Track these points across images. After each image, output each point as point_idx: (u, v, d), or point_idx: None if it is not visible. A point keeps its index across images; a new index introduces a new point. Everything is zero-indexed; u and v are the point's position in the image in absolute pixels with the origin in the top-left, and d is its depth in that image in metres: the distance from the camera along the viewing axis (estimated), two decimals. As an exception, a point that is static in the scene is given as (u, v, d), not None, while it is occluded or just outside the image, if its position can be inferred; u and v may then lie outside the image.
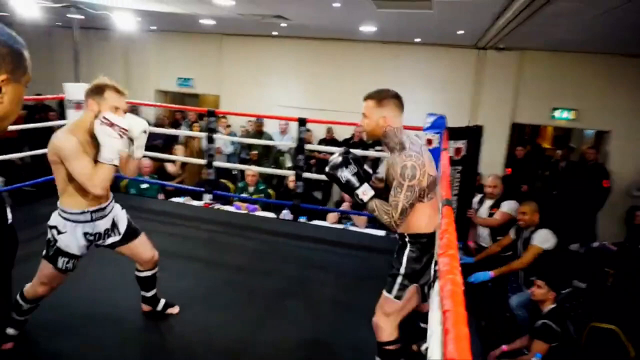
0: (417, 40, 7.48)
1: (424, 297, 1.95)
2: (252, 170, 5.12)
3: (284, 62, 8.68)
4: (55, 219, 2.06)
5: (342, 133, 7.49)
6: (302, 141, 4.34)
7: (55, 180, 2.01)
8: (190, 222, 4.27)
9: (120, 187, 5.23)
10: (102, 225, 2.15)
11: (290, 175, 4.68)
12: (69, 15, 6.26)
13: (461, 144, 4.37)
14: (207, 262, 3.39)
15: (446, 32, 6.29)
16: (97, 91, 1.97)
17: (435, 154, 3.96)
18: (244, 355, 2.34)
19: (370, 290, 3.19)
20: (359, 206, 4.94)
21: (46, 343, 2.29)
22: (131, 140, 2.08)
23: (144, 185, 5.32)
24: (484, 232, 4.43)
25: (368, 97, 1.93)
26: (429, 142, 4.05)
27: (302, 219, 4.60)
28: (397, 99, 1.92)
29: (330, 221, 4.77)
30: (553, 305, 3.13)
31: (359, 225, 4.69)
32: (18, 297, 2.12)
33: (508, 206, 4.22)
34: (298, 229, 4.32)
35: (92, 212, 2.07)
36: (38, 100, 7.67)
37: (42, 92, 7.92)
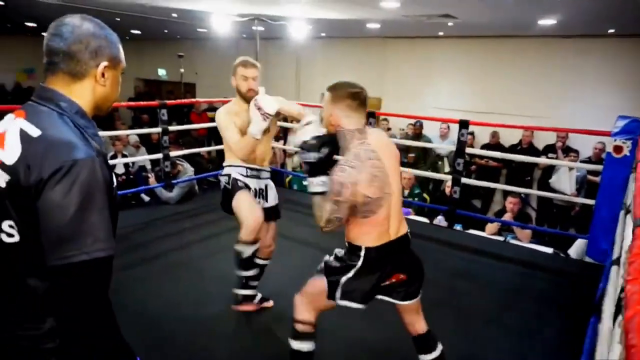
0: (611, 31, 6.43)
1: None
2: (408, 173, 5.05)
3: (448, 63, 8.36)
4: (224, 171, 2.56)
5: (509, 138, 6.87)
6: (462, 144, 4.11)
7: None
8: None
9: (284, 183, 5.69)
10: (255, 184, 2.56)
11: (447, 179, 4.48)
12: (253, 28, 7.06)
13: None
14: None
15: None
16: (233, 71, 2.48)
17: (625, 164, 3.38)
18: None
19: (526, 309, 2.88)
20: (523, 217, 4.50)
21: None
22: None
23: (306, 182, 5.67)
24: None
25: (327, 89, 1.72)
26: (618, 150, 3.46)
27: (458, 227, 4.36)
28: (352, 99, 1.65)
29: (488, 232, 4.42)
30: None
31: (521, 239, 4.25)
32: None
33: None
34: (452, 236, 4.10)
35: (246, 167, 2.52)
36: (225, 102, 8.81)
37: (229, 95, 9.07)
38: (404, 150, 7.30)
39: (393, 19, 6.36)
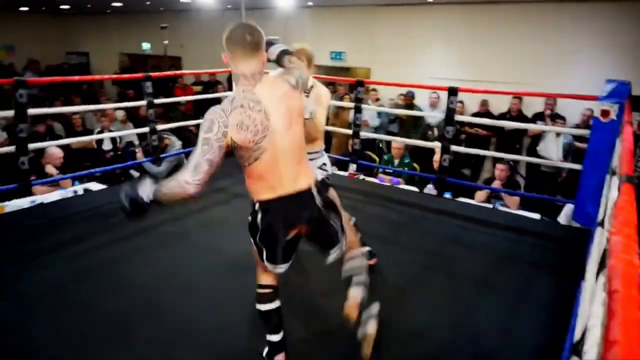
0: (600, -4, 6.36)
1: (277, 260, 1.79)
2: (397, 142, 5.05)
3: (437, 31, 8.24)
4: (323, 159, 2.66)
5: (498, 107, 6.87)
6: (451, 112, 4.10)
7: None
8: (337, 190, 4.41)
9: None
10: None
11: (437, 147, 4.48)
12: (237, -3, 6.86)
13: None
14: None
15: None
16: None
17: (612, 128, 3.40)
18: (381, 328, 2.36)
19: (516, 274, 2.94)
20: (512, 184, 4.54)
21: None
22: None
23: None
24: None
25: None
26: (605, 114, 3.47)
27: (447, 195, 4.40)
28: (237, 43, 1.63)
29: (477, 199, 4.47)
30: None
31: (510, 206, 4.30)
32: None
33: None
34: (442, 204, 4.14)
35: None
36: (211, 74, 8.65)
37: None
38: (393, 121, 7.29)
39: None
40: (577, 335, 1.35)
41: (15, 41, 13.81)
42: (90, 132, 6.14)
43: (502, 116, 6.62)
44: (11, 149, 3.55)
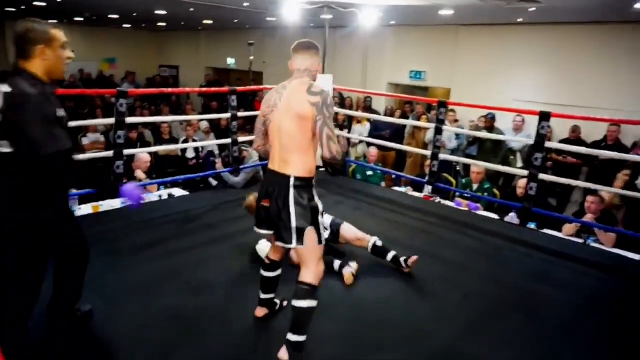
0: None
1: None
2: (478, 165, 4.82)
3: (525, 52, 7.84)
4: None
5: (592, 134, 6.34)
6: (542, 137, 3.83)
7: None
8: (409, 212, 4.29)
9: (348, 173, 5.64)
10: None
11: (523, 174, 4.20)
12: (322, 16, 7.02)
13: None
14: (421, 252, 3.32)
15: None
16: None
17: None
18: None
19: (608, 319, 2.63)
20: (608, 219, 4.12)
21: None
22: None
23: (369, 172, 5.61)
24: None
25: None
26: None
27: (532, 225, 4.10)
28: (294, 48, 2.17)
29: (566, 232, 4.11)
30: None
31: (604, 243, 3.91)
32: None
33: None
34: (526, 235, 3.86)
35: None
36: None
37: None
38: (473, 143, 6.98)
39: (468, 4, 6.05)
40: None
41: (117, 54, 15.21)
42: (176, 141, 6.53)
43: (596, 144, 6.10)
44: (109, 153, 3.84)
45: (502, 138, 6.11)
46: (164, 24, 13.43)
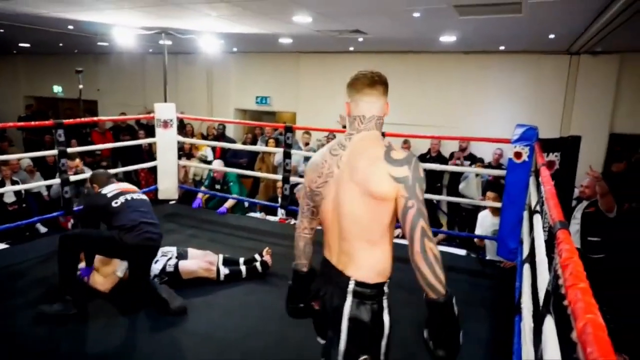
0: (502, 48, 7.08)
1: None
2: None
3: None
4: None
5: (419, 148, 7.24)
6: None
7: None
8: (267, 237, 4.28)
9: (202, 203, 5.40)
10: None
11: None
12: (160, 42, 6.72)
13: (554, 156, 4.00)
14: (284, 277, 3.33)
15: (536, 38, 5.88)
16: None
17: (525, 168, 3.68)
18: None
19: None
20: (434, 222, 4.69)
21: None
22: None
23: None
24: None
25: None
26: (518, 155, 3.74)
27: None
28: (348, 86, 1.53)
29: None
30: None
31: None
32: None
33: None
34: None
35: None
36: (124, 120, 8.27)
37: (132, 112, 8.54)
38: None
39: (305, 33, 6.42)
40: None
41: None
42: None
43: (423, 156, 6.96)
44: None
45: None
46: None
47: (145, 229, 2.67)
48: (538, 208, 2.40)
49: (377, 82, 1.45)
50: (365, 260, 1.39)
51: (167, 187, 4.90)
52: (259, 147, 7.11)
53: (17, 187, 5.04)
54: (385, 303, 1.43)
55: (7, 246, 3.97)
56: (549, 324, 1.14)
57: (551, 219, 1.39)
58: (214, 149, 7.06)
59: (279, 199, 4.78)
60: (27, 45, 10.35)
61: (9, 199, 5.29)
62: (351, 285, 1.39)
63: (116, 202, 2.75)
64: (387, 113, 1.50)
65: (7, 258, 3.48)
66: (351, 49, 8.11)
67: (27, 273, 3.23)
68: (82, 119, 5.23)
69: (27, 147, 9.12)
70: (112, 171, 5.28)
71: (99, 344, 2.39)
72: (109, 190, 2.87)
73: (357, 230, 1.37)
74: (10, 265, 3.33)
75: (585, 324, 0.61)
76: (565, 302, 0.79)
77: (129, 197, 2.82)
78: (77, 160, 4.77)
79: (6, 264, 3.35)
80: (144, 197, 2.98)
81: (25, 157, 5.98)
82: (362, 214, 1.35)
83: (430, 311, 1.32)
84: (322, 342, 1.56)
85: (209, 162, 6.26)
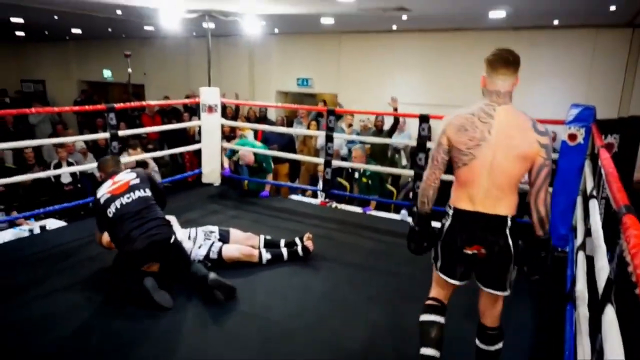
0: (555, 22, 6.67)
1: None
2: (358, 150, 5.01)
3: (404, 57, 8.42)
4: None
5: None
6: (423, 139, 4.10)
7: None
8: (308, 219, 4.31)
9: (243, 185, 5.49)
10: None
11: (409, 174, 4.47)
12: (204, 25, 6.80)
13: (613, 139, 3.75)
14: (325, 259, 3.35)
15: (595, 9, 5.49)
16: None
17: (580, 151, 3.47)
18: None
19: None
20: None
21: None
22: None
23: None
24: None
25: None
26: (572, 137, 3.54)
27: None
28: (487, 64, 1.88)
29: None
30: None
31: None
32: None
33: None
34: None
35: None
36: (170, 105, 8.47)
37: (176, 96, 8.72)
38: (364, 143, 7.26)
39: (347, 12, 6.30)
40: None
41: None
42: (46, 163, 5.82)
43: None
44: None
45: (387, 141, 6.41)
46: (23, 34, 12.01)
47: (144, 230, 2.63)
48: (595, 193, 2.26)
49: (511, 62, 1.78)
50: (512, 202, 1.79)
51: (211, 170, 5.01)
52: (302, 130, 7.09)
53: (72, 169, 5.29)
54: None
55: (65, 224, 4.20)
56: (610, 313, 1.07)
57: (615, 203, 1.31)
58: (255, 131, 7.13)
59: (320, 183, 4.78)
60: (79, 31, 10.76)
61: (66, 179, 5.58)
62: (509, 222, 1.77)
63: (110, 212, 2.68)
64: (516, 84, 1.83)
65: (64, 236, 3.71)
66: (394, 27, 7.90)
67: (78, 251, 3.42)
68: (132, 104, 5.40)
69: (81, 130, 9.56)
70: (159, 154, 5.50)
71: (148, 324, 2.50)
72: (102, 192, 2.77)
73: (507, 181, 1.76)
74: (66, 242, 3.54)
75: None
76: (638, 291, 0.74)
77: (119, 203, 2.69)
78: (139, 149, 4.91)
79: (62, 241, 3.57)
80: (139, 192, 2.77)
81: (79, 140, 6.28)
82: (512, 169, 1.74)
83: (536, 245, 1.83)
84: (453, 282, 1.87)
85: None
